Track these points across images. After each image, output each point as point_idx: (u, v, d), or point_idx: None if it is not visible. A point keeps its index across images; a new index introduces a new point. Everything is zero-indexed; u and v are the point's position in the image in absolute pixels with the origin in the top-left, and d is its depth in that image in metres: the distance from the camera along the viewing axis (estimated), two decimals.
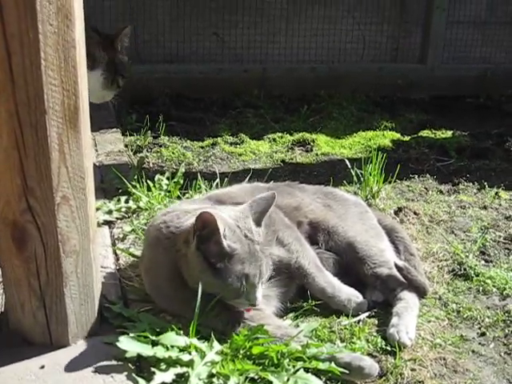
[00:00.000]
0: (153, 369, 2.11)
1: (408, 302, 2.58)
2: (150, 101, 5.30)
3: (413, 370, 2.29)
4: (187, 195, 3.50)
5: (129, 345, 2.18)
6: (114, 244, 3.06)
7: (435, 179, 4.17)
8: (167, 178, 3.57)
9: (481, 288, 2.88)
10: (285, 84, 5.70)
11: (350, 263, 2.76)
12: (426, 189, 4.00)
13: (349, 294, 2.60)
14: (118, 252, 2.96)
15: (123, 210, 3.32)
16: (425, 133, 5.08)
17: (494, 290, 2.87)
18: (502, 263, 3.11)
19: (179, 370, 2.13)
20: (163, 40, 5.56)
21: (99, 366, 2.19)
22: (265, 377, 2.12)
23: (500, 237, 3.37)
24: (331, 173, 4.18)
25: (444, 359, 2.37)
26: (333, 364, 2.18)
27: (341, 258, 2.77)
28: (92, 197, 2.27)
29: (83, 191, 2.17)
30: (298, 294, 2.67)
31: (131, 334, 2.22)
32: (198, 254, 2.27)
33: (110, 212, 3.28)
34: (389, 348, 2.39)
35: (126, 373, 2.17)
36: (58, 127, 2.05)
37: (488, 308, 2.74)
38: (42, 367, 2.18)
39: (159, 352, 2.16)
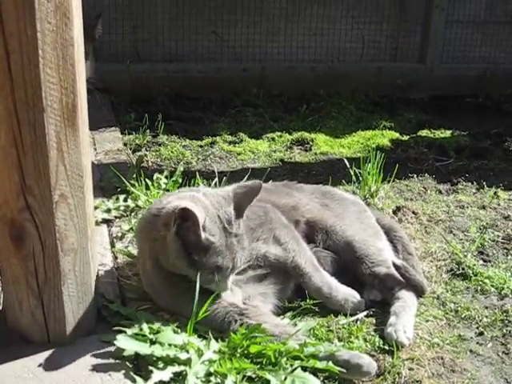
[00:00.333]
0: (150, 367, 2.11)
1: (406, 302, 2.58)
2: (149, 100, 5.30)
3: (411, 369, 2.29)
4: None
5: (126, 343, 2.18)
6: (112, 243, 3.06)
7: (434, 179, 4.17)
8: (166, 177, 3.57)
9: (479, 288, 2.88)
10: (284, 83, 5.70)
11: (347, 262, 2.76)
12: (424, 188, 4.00)
13: (346, 294, 2.60)
14: (116, 251, 2.96)
15: (122, 208, 3.32)
16: (424, 132, 5.08)
17: (492, 289, 2.87)
18: (501, 263, 3.11)
19: (177, 368, 2.13)
20: (162, 39, 5.56)
21: (97, 365, 2.19)
22: (262, 375, 2.12)
23: (498, 237, 3.37)
24: (330, 172, 4.18)
25: (442, 359, 2.37)
26: (330, 363, 2.18)
27: (339, 256, 2.77)
28: (90, 195, 2.27)
29: (81, 189, 2.17)
30: (296, 293, 2.67)
31: (129, 333, 2.22)
32: (177, 239, 2.29)
33: (108, 210, 3.28)
34: (387, 347, 2.39)
35: (123, 371, 2.16)
36: (56, 125, 2.05)
37: (486, 308, 2.74)
38: (40, 365, 2.18)
39: (157, 350, 2.16)
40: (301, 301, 2.64)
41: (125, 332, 2.23)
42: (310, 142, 4.71)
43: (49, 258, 2.19)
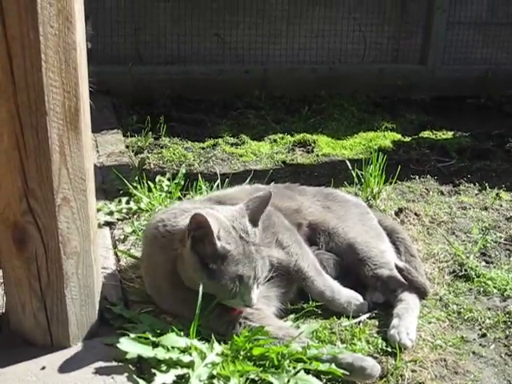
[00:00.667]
0: (153, 370, 2.11)
1: (409, 303, 2.58)
2: (151, 102, 5.30)
3: (413, 371, 2.29)
4: (188, 196, 3.50)
5: (129, 346, 2.18)
6: (114, 245, 3.06)
7: (436, 180, 4.17)
8: (168, 179, 3.58)
9: (481, 289, 2.88)
10: (286, 85, 5.70)
11: (350, 264, 2.76)
12: (426, 190, 4.00)
13: (348, 297, 2.60)
14: (119, 253, 2.96)
15: (124, 211, 3.32)
16: (425, 134, 5.08)
17: (495, 291, 2.87)
18: (503, 264, 3.11)
19: (180, 371, 2.13)
20: (164, 41, 5.57)
21: (100, 367, 2.19)
22: (265, 378, 2.13)
23: (501, 238, 3.38)
24: (332, 174, 4.18)
25: (445, 360, 2.37)
26: (333, 365, 2.18)
27: (341, 259, 2.77)
28: (93, 198, 2.28)
29: (84, 192, 2.18)
30: (299, 296, 2.67)
31: (132, 336, 2.22)
32: (193, 254, 2.28)
33: (110, 213, 3.29)
34: (389, 349, 2.39)
35: (126, 374, 2.17)
36: (59, 129, 2.05)
37: (489, 309, 2.74)
38: (43, 368, 2.18)
39: (160, 353, 2.16)
40: (303, 303, 2.64)
41: (128, 335, 2.23)
42: (312, 144, 4.71)
43: (51, 261, 2.19)
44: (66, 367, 2.19)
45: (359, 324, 2.54)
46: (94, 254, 2.30)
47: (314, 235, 2.81)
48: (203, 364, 2.15)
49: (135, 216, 3.31)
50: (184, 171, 3.62)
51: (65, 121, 2.06)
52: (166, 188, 3.51)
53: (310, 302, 2.62)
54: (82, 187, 2.16)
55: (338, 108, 5.51)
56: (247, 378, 2.13)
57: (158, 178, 3.59)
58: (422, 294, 2.67)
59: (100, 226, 3.12)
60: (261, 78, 5.68)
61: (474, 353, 2.46)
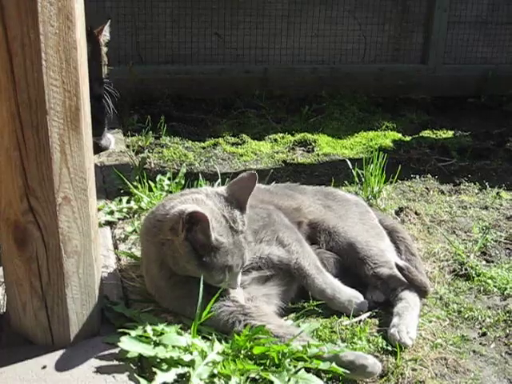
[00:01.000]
0: (154, 369, 2.12)
1: (409, 302, 2.58)
2: (151, 101, 5.30)
3: (414, 369, 2.30)
4: None
5: (130, 345, 2.19)
6: (115, 244, 3.06)
7: (436, 179, 4.17)
8: (168, 179, 3.58)
9: (482, 288, 2.88)
10: (286, 84, 5.70)
11: (350, 263, 2.77)
12: (427, 189, 4.00)
13: (349, 295, 2.60)
14: (120, 253, 2.96)
15: (125, 210, 3.33)
16: (426, 133, 5.08)
17: (495, 290, 2.87)
18: (503, 263, 3.11)
19: (180, 370, 2.14)
20: (164, 41, 5.56)
21: (101, 366, 2.20)
22: (266, 377, 2.13)
23: (501, 237, 3.38)
24: (332, 173, 4.18)
25: (445, 359, 2.37)
26: (334, 364, 2.18)
27: (342, 258, 2.77)
28: (93, 197, 2.28)
29: (84, 192, 2.18)
30: (300, 294, 2.68)
31: (133, 335, 2.23)
32: (186, 244, 2.31)
33: (111, 212, 3.29)
34: (390, 348, 2.39)
35: (127, 373, 2.17)
36: (60, 128, 2.05)
37: (489, 308, 2.74)
38: (44, 367, 2.19)
39: (160, 352, 2.16)
40: (304, 302, 2.65)
41: (128, 334, 2.24)
42: (313, 143, 4.71)
43: (52, 260, 2.20)
44: (66, 366, 2.20)
45: (360, 323, 2.55)
46: (94, 253, 2.31)
47: (315, 234, 2.82)
48: (204, 363, 2.16)
49: (136, 215, 3.32)
50: (184, 171, 3.62)
51: (65, 120, 2.06)
52: (166, 187, 3.51)
53: (311, 301, 2.62)
54: (82, 186, 2.17)
55: (339, 107, 5.50)
56: (248, 377, 2.14)
57: (158, 177, 3.59)
58: (422, 292, 2.67)
59: (101, 225, 3.13)
60: (261, 77, 5.68)
61: (474, 351, 2.46)
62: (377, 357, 2.33)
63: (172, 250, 2.36)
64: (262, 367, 2.18)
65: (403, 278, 2.67)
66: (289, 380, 2.11)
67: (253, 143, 4.68)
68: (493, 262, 3.14)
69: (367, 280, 2.73)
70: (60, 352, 2.27)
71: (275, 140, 4.78)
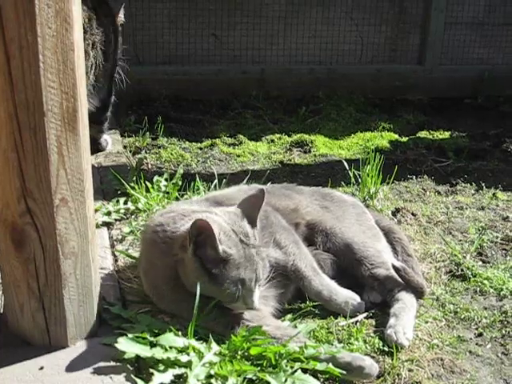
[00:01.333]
0: (151, 370, 2.12)
1: (405, 303, 2.59)
2: (148, 102, 5.31)
3: (410, 370, 2.31)
4: (185, 196, 3.50)
5: (127, 346, 2.19)
6: (112, 245, 3.07)
7: (433, 180, 4.18)
8: (166, 180, 3.57)
9: (478, 289, 2.90)
10: (283, 85, 5.70)
11: (347, 264, 2.77)
12: (423, 190, 4.01)
13: (346, 297, 2.61)
14: (117, 253, 2.97)
15: (122, 211, 3.33)
16: (423, 134, 5.09)
17: (491, 290, 2.88)
18: (499, 264, 3.12)
19: (177, 370, 2.14)
20: (162, 41, 5.57)
21: (98, 367, 2.20)
22: (263, 378, 2.13)
23: (497, 238, 3.39)
24: (329, 174, 4.18)
25: (441, 360, 2.38)
26: (330, 365, 2.19)
27: (338, 259, 2.78)
28: (91, 199, 2.28)
29: (82, 193, 2.18)
30: (296, 295, 2.68)
31: (130, 335, 2.23)
32: (195, 259, 2.29)
33: (108, 213, 3.29)
34: (386, 349, 2.40)
35: (124, 374, 2.17)
36: (57, 129, 2.06)
37: (485, 309, 2.75)
38: (41, 368, 2.19)
39: (158, 353, 2.17)
40: (301, 303, 2.66)
41: (126, 335, 2.24)
42: (310, 144, 4.72)
43: (50, 262, 2.20)
44: (64, 367, 2.20)
45: (356, 324, 2.56)
46: (91, 255, 2.31)
47: (312, 235, 2.83)
48: (201, 364, 2.16)
49: (133, 216, 3.32)
50: (182, 171, 3.62)
51: (63, 121, 2.06)
52: (163, 188, 3.51)
53: (308, 302, 2.64)
54: (79, 188, 2.17)
55: (336, 108, 5.51)
56: (245, 378, 2.14)
57: (155, 178, 3.59)
58: (418, 293, 2.68)
59: (98, 226, 3.13)
60: (258, 78, 5.69)
61: (470, 352, 2.47)
62: (373, 357, 2.34)
63: (183, 268, 2.35)
64: (259, 368, 2.19)
65: (400, 279, 2.67)
66: (285, 381, 2.12)
67: (250, 144, 4.69)
68: (489, 262, 3.16)
69: (364, 281, 2.74)
70: (57, 353, 2.27)
71: (272, 141, 4.79)
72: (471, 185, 4.12)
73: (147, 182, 3.51)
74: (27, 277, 2.22)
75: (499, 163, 4.56)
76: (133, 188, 3.45)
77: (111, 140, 4.38)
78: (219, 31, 5.69)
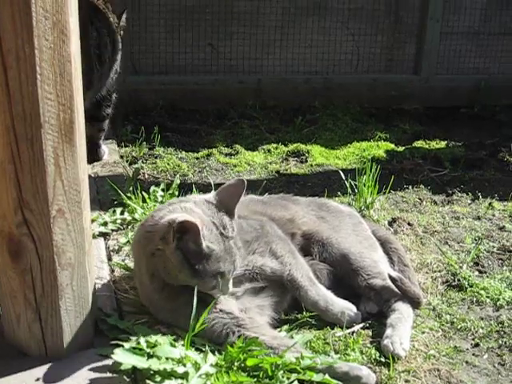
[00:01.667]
0: (148, 381, 2.12)
1: (402, 313, 2.59)
2: (145, 112, 5.31)
3: (407, 381, 2.31)
4: None
5: (124, 357, 2.18)
6: (109, 256, 3.07)
7: (429, 190, 4.18)
8: (162, 190, 3.58)
9: (474, 299, 2.90)
10: (280, 95, 5.71)
11: (344, 274, 2.77)
12: (420, 199, 4.02)
13: (342, 307, 2.61)
14: (113, 264, 2.97)
15: (118, 221, 3.33)
16: (419, 143, 5.09)
17: (488, 300, 2.89)
18: (496, 274, 3.12)
19: (174, 382, 2.13)
20: (158, 51, 5.58)
21: (94, 378, 2.20)
22: None
23: (494, 247, 3.39)
24: (326, 184, 4.19)
25: (438, 370, 2.38)
26: (327, 375, 2.19)
27: (335, 269, 2.78)
28: (87, 210, 2.29)
29: (78, 204, 2.19)
30: (293, 305, 2.68)
31: (126, 347, 2.22)
32: (178, 253, 2.31)
33: (105, 224, 3.29)
34: (383, 359, 2.40)
35: None
36: (54, 141, 2.06)
37: (482, 319, 2.75)
38: (37, 379, 2.19)
39: (154, 364, 2.16)
40: (297, 313, 2.66)
41: (122, 346, 2.23)
42: (306, 154, 4.72)
43: (46, 273, 2.20)
44: (60, 378, 2.20)
45: (353, 334, 2.56)
46: (88, 266, 2.32)
47: (308, 245, 2.83)
48: (197, 375, 2.16)
49: (129, 227, 3.32)
50: (178, 182, 3.62)
51: (59, 133, 2.07)
52: (160, 198, 3.51)
53: (304, 312, 2.63)
54: (76, 199, 2.17)
55: (332, 118, 5.52)
56: None
57: (152, 188, 3.59)
58: (415, 303, 2.69)
59: (94, 236, 3.13)
60: (255, 87, 5.69)
61: (467, 362, 2.47)
62: (370, 368, 2.34)
63: (163, 259, 2.37)
64: (256, 379, 2.19)
65: (396, 289, 2.68)
66: None
67: (246, 154, 4.69)
68: (485, 272, 3.16)
69: (360, 291, 2.74)
70: (53, 364, 2.27)
71: (269, 150, 4.79)
72: (467, 194, 4.12)
73: (144, 193, 3.51)
74: (24, 288, 2.22)
75: (495, 173, 4.56)
76: (129, 198, 3.45)
77: (108, 150, 4.39)
78: (216, 41, 5.70)
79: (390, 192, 3.90)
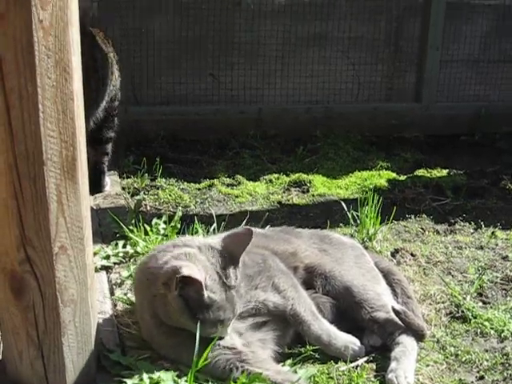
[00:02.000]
0: None
1: (406, 346, 2.58)
2: (146, 143, 5.31)
3: None
4: None
5: None
6: (111, 290, 3.06)
7: (432, 219, 4.18)
8: (164, 222, 3.56)
9: (479, 330, 2.89)
10: (281, 124, 5.72)
11: (347, 307, 2.77)
12: (422, 229, 4.01)
13: (345, 341, 2.60)
14: (116, 298, 2.96)
15: (121, 254, 3.32)
16: (420, 172, 5.09)
17: (492, 332, 2.88)
18: (500, 304, 3.11)
19: None
20: (160, 82, 5.60)
21: None
22: None
23: (497, 277, 3.38)
24: (328, 214, 4.18)
25: None
26: None
27: (338, 302, 2.77)
28: (90, 246, 2.29)
29: (81, 241, 2.19)
30: (296, 339, 2.67)
31: (129, 383, 2.22)
32: (179, 300, 2.32)
33: (107, 257, 3.29)
34: None
35: None
36: (56, 178, 2.07)
37: (486, 351, 2.74)
38: None
39: None
40: (301, 347, 2.65)
41: (125, 382, 2.23)
42: (308, 184, 4.72)
43: (49, 309, 2.20)
44: None
45: (357, 368, 2.55)
46: (91, 301, 2.31)
47: (311, 278, 2.82)
48: None
49: (132, 260, 3.31)
50: (180, 214, 3.59)
51: (62, 170, 2.07)
52: (162, 231, 3.50)
53: (308, 346, 2.62)
54: (79, 235, 2.17)
55: (333, 147, 5.51)
56: None
57: (154, 220, 3.58)
58: (419, 336, 2.68)
59: (97, 270, 3.12)
60: (256, 117, 5.70)
61: None
62: None
63: (165, 303, 2.37)
64: None
65: (400, 322, 2.67)
66: None
67: (248, 184, 4.69)
68: (489, 303, 3.15)
69: (364, 324, 2.73)
70: None
71: (270, 181, 4.79)
72: (470, 223, 4.11)
73: (146, 225, 3.50)
74: (26, 324, 2.21)
75: (497, 201, 4.56)
76: (131, 231, 3.45)
77: (110, 181, 4.40)
78: (217, 71, 5.73)
79: (392, 222, 3.90)
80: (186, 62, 5.63)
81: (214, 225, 3.52)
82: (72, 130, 2.07)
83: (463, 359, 2.67)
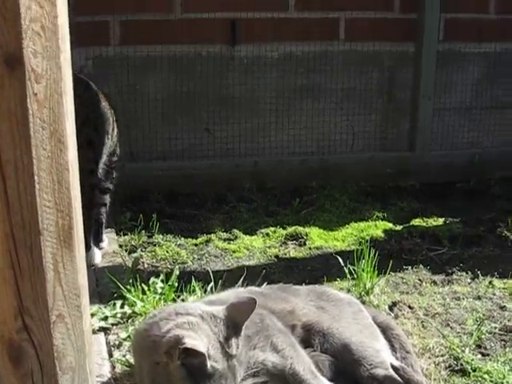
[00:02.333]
0: None
1: None
2: (143, 198, 5.33)
3: None
4: (182, 297, 3.50)
5: None
6: (109, 351, 3.05)
7: (429, 270, 4.19)
8: (162, 281, 3.56)
9: (478, 383, 2.88)
10: (277, 177, 5.75)
11: (346, 365, 2.77)
12: (419, 280, 4.01)
13: None
14: (114, 361, 2.96)
15: (119, 315, 3.32)
16: (416, 221, 5.11)
17: None
18: (499, 356, 3.11)
19: None
20: (155, 138, 5.64)
21: None
22: None
23: (495, 328, 3.38)
24: (325, 267, 4.19)
25: None
26: None
27: (336, 359, 2.77)
28: (87, 313, 2.29)
29: (78, 308, 2.19)
30: None
31: None
32: (182, 370, 2.32)
33: (105, 318, 3.29)
34: None
35: None
36: (53, 247, 2.08)
37: None
38: None
39: None
40: None
41: None
42: (304, 236, 4.73)
43: (47, 377, 2.19)
44: None
45: None
46: (89, 368, 2.30)
47: (309, 336, 2.83)
48: None
49: (130, 320, 3.31)
50: (177, 272, 3.59)
51: (58, 239, 2.08)
52: (159, 290, 3.50)
53: None
54: (76, 303, 2.18)
55: (329, 198, 5.52)
56: None
57: (151, 280, 3.58)
58: None
59: (94, 331, 3.12)
60: (251, 170, 5.74)
61: None
62: None
63: (166, 372, 2.37)
64: None
65: (399, 379, 2.66)
66: None
67: (245, 238, 4.70)
68: (488, 354, 3.15)
69: (363, 381, 2.72)
70: None
71: (267, 234, 4.80)
72: (467, 273, 4.12)
73: (143, 284, 3.50)
74: None
75: (494, 249, 4.57)
76: (129, 291, 3.45)
77: (107, 239, 4.40)
78: (212, 125, 5.78)
79: (389, 274, 3.90)
80: (181, 117, 5.69)
81: (212, 284, 3.52)
82: (68, 200, 2.08)
83: None
